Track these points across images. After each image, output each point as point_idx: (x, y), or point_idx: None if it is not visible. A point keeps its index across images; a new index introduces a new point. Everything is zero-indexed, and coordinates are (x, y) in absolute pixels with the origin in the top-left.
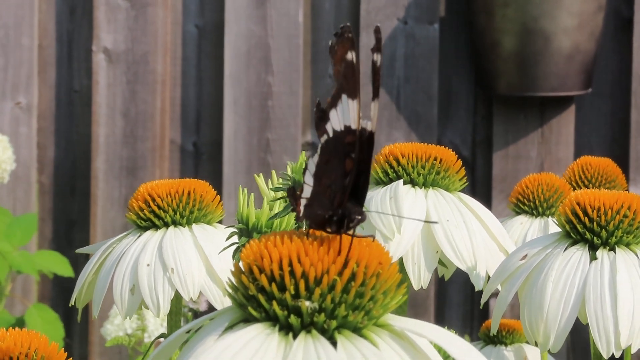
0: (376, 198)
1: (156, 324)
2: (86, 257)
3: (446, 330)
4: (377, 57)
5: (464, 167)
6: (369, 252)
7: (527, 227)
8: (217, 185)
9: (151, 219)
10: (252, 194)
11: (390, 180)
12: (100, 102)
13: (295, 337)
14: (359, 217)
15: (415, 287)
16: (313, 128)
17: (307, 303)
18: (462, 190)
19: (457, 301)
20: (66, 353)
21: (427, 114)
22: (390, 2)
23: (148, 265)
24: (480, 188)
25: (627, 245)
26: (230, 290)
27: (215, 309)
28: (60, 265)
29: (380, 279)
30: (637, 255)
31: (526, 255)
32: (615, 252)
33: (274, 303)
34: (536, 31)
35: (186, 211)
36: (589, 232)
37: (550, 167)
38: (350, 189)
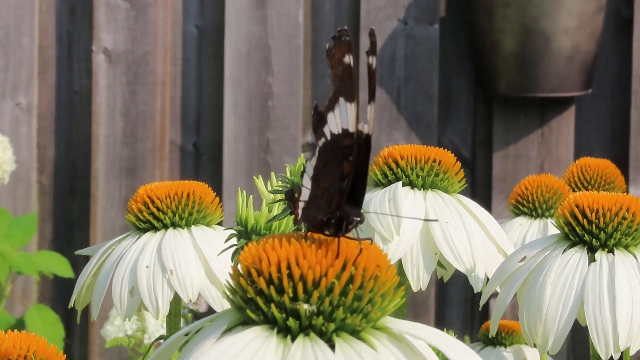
0: (375, 200)
1: (156, 325)
2: (86, 257)
3: (444, 333)
4: (373, 60)
5: (463, 168)
6: (367, 254)
7: (527, 228)
8: (217, 186)
9: (150, 221)
10: (252, 195)
11: (389, 182)
12: (100, 102)
13: (293, 339)
14: (357, 219)
15: (414, 289)
16: None
17: (306, 306)
18: (462, 191)
19: (458, 302)
20: (65, 355)
21: (427, 114)
22: (390, 2)
23: (147, 267)
24: (481, 188)
25: (626, 247)
26: (228, 293)
27: (215, 311)
28: (60, 266)
29: (378, 282)
30: (635, 257)
31: (525, 257)
32: (613, 254)
33: (272, 306)
34: (536, 31)
35: (185, 213)
36: (588, 234)
37: (551, 167)
38: (348, 191)
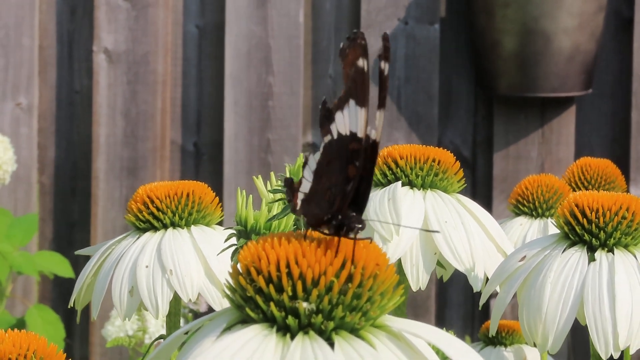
0: (375, 200)
1: (157, 325)
2: (87, 257)
3: (444, 332)
4: (385, 66)
5: (464, 168)
6: (367, 253)
7: (527, 228)
8: (218, 186)
9: (150, 221)
10: (251, 195)
11: (389, 182)
12: (101, 102)
13: (292, 338)
14: (359, 226)
15: (414, 288)
16: (314, 129)
17: (305, 304)
18: (462, 191)
19: (458, 301)
20: (65, 354)
21: (427, 114)
22: (390, 2)
23: (147, 266)
24: (481, 188)
25: (626, 246)
26: (228, 292)
27: (215, 311)
28: (60, 266)
29: (377, 280)
30: (635, 256)
31: (525, 256)
32: (613, 254)
33: (272, 304)
34: (536, 31)
35: (185, 213)
36: (588, 234)
37: (551, 168)
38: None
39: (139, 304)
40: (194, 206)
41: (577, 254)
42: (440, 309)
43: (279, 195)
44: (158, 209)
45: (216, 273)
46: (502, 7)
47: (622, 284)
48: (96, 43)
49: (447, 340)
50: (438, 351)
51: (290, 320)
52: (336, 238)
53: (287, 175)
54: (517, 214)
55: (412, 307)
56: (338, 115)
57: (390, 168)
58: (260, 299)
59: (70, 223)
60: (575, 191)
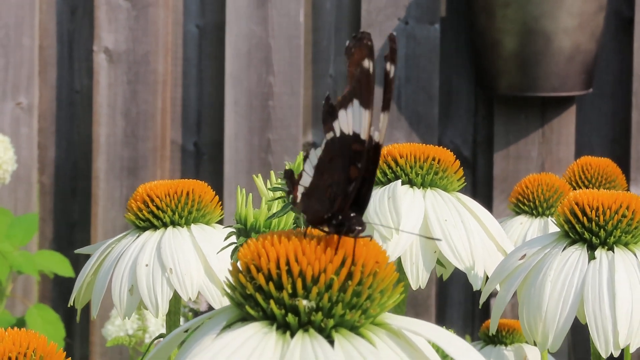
0: (375, 198)
1: (157, 325)
2: (87, 257)
3: (444, 330)
4: (391, 68)
5: (464, 168)
6: (366, 251)
7: (527, 227)
8: (218, 185)
9: (150, 220)
10: (251, 194)
11: (389, 181)
12: (101, 102)
13: (292, 335)
14: (359, 228)
15: (414, 287)
16: (314, 128)
17: (305, 302)
18: (462, 191)
19: (459, 300)
20: (65, 353)
21: (427, 114)
22: (391, 2)
23: (147, 265)
24: (481, 188)
25: (626, 244)
26: (228, 290)
27: (215, 309)
28: (60, 266)
29: (377, 278)
30: (635, 255)
31: (525, 255)
32: (613, 252)
33: (272, 302)
34: (537, 31)
35: (185, 211)
36: (588, 232)
37: (551, 167)
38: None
39: (138, 302)
40: (193, 205)
41: (577, 253)
42: (441, 307)
43: (278, 194)
44: (158, 208)
45: (216, 271)
46: (502, 7)
47: (622, 282)
48: (96, 43)
49: (447, 338)
50: (438, 349)
51: (290, 317)
52: (336, 236)
53: None
54: (518, 213)
55: (412, 306)
56: (341, 114)
57: (390, 167)
58: (260, 297)
59: (70, 223)
60: (576, 190)
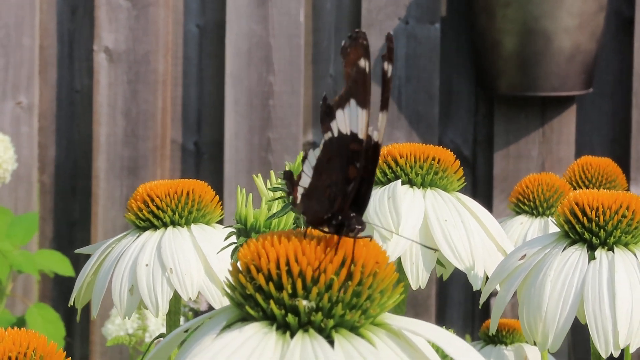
0: (374, 198)
1: (157, 324)
2: (87, 256)
3: (444, 330)
4: (389, 67)
5: (464, 168)
6: (366, 251)
7: (527, 227)
8: (218, 185)
9: (150, 219)
10: (251, 194)
11: (389, 181)
12: (102, 101)
13: (292, 336)
14: (359, 227)
15: (414, 287)
16: (314, 128)
17: (305, 302)
18: (462, 190)
19: (459, 300)
20: (65, 352)
21: (428, 114)
22: (391, 1)
23: (147, 265)
24: (482, 188)
25: (626, 245)
26: (228, 290)
27: (215, 309)
28: (61, 265)
29: (377, 278)
30: (635, 255)
31: (525, 255)
32: (613, 252)
33: (272, 302)
34: (537, 31)
35: (185, 211)
36: (588, 232)
37: (552, 167)
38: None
39: (139, 302)
40: (194, 205)
41: (577, 253)
42: (441, 307)
43: (278, 194)
44: (158, 208)
45: (216, 271)
46: (502, 7)
47: (622, 282)
48: (97, 42)
49: (447, 338)
50: (438, 349)
51: (290, 318)
52: (336, 236)
53: None
54: (518, 213)
55: (412, 306)
56: (339, 113)
57: (390, 166)
58: (260, 297)
59: (70, 222)
60: (576, 190)
